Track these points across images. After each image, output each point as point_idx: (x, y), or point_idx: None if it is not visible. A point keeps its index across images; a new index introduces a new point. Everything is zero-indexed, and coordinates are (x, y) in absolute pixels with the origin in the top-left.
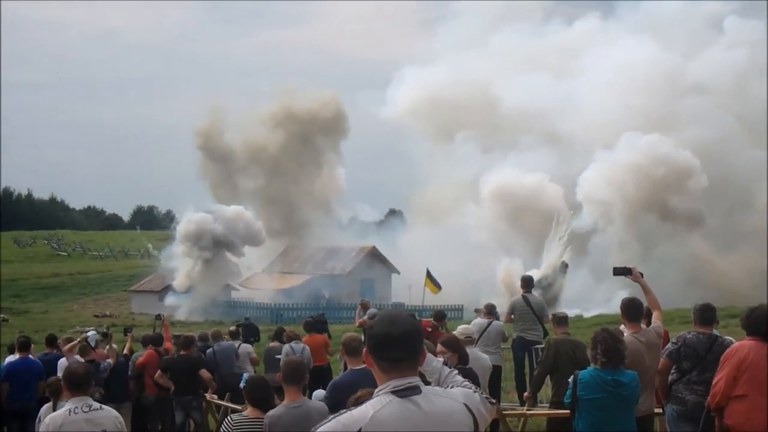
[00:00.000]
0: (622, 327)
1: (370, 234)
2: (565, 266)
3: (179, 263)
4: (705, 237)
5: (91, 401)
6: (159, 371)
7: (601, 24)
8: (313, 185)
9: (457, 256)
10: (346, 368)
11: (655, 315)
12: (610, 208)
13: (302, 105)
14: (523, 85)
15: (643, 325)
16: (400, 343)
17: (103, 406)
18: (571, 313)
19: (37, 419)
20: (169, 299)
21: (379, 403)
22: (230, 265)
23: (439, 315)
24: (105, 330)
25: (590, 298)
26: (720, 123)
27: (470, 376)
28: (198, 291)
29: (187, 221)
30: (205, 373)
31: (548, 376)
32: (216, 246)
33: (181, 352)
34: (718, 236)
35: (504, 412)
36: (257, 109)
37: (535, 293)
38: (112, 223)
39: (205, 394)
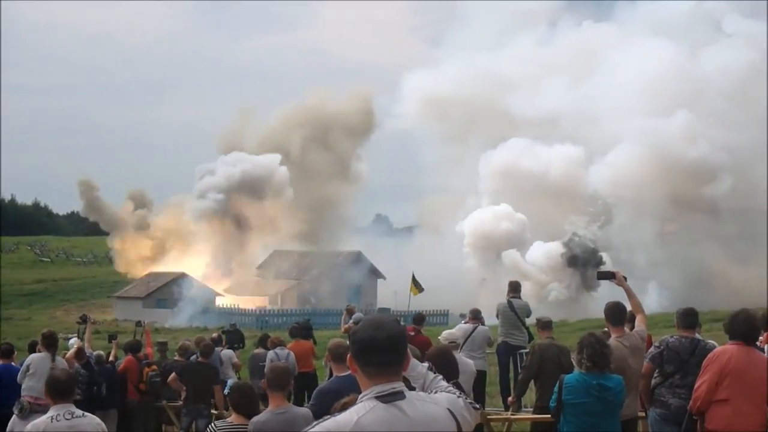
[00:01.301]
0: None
1: (396, 238)
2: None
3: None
4: (719, 241)
5: (73, 408)
6: (173, 374)
7: (608, 26)
8: (338, 189)
9: (451, 259)
10: (332, 375)
11: (638, 319)
12: (630, 206)
13: (328, 106)
14: (535, 89)
15: (626, 329)
16: (385, 347)
17: (86, 413)
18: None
19: (24, 367)
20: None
21: (364, 409)
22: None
23: (419, 318)
24: (84, 316)
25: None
26: (736, 125)
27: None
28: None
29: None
30: (219, 391)
31: (532, 381)
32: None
33: (200, 359)
34: (731, 240)
35: (488, 417)
36: (278, 112)
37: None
38: (96, 228)
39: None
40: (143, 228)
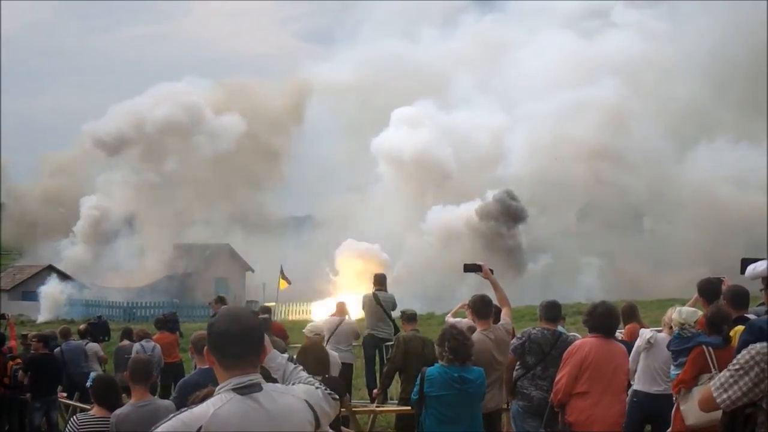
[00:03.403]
0: (451, 319)
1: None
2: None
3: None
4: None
5: None
6: (21, 372)
7: (507, 19)
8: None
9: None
10: (196, 367)
11: (504, 312)
12: (542, 192)
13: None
14: (443, 81)
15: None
16: (241, 339)
17: None
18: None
19: None
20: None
21: (220, 401)
22: None
23: (265, 309)
24: None
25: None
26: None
27: (335, 385)
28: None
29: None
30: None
31: (398, 373)
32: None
33: (44, 352)
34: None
35: (354, 409)
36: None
37: None
38: None
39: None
40: (50, 200)
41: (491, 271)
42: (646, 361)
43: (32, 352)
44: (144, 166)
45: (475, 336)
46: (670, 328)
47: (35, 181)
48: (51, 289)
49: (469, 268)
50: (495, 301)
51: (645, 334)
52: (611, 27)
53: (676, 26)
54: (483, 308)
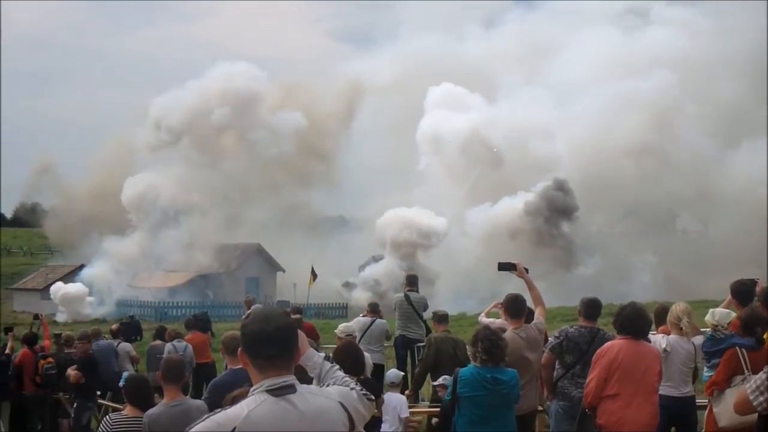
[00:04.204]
0: (484, 320)
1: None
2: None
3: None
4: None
5: None
6: (74, 370)
7: (549, 17)
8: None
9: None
10: (227, 368)
11: (537, 311)
12: (587, 187)
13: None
14: (482, 82)
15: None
16: (275, 339)
17: None
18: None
19: None
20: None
21: (254, 402)
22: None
23: (296, 309)
24: None
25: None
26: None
27: (371, 386)
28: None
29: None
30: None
31: (429, 374)
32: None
33: (91, 351)
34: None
35: None
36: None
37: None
38: None
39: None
40: (98, 198)
41: (526, 270)
42: (666, 367)
43: (79, 353)
44: (197, 160)
45: (507, 335)
46: (680, 329)
47: (83, 179)
48: (101, 271)
49: (504, 266)
50: (529, 302)
51: (660, 342)
52: (651, 25)
53: (719, 24)
54: (515, 307)
